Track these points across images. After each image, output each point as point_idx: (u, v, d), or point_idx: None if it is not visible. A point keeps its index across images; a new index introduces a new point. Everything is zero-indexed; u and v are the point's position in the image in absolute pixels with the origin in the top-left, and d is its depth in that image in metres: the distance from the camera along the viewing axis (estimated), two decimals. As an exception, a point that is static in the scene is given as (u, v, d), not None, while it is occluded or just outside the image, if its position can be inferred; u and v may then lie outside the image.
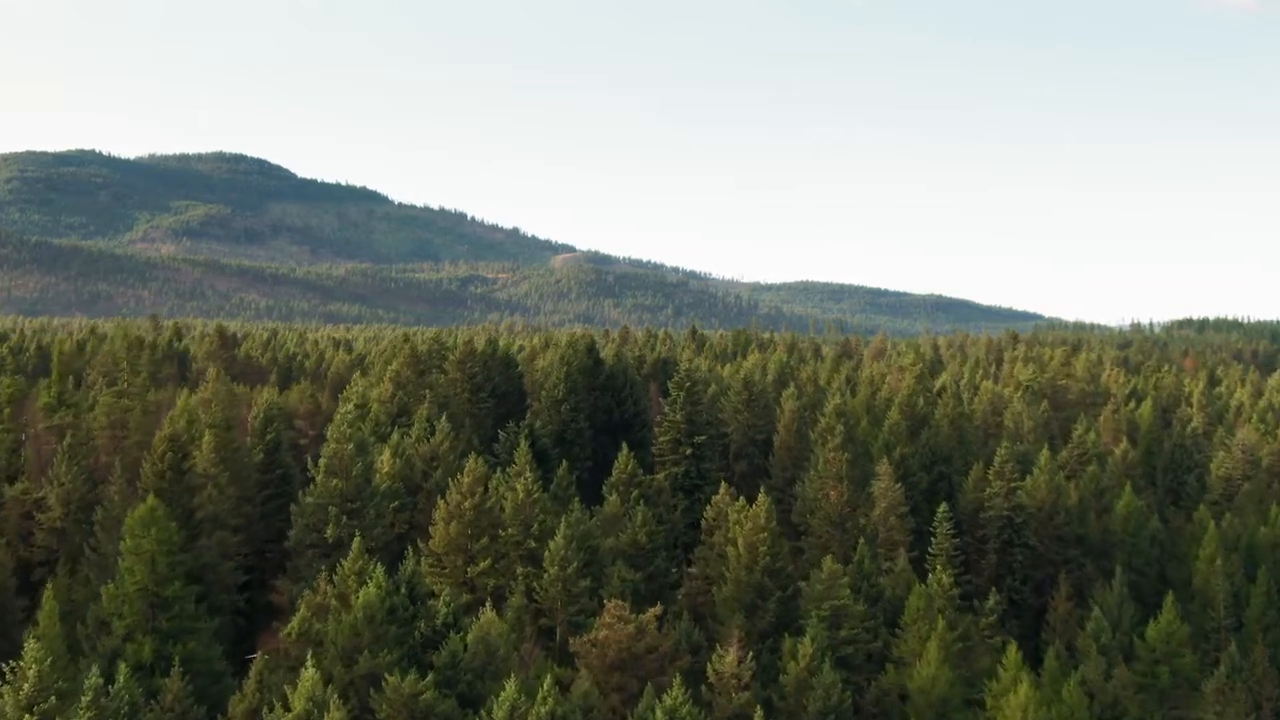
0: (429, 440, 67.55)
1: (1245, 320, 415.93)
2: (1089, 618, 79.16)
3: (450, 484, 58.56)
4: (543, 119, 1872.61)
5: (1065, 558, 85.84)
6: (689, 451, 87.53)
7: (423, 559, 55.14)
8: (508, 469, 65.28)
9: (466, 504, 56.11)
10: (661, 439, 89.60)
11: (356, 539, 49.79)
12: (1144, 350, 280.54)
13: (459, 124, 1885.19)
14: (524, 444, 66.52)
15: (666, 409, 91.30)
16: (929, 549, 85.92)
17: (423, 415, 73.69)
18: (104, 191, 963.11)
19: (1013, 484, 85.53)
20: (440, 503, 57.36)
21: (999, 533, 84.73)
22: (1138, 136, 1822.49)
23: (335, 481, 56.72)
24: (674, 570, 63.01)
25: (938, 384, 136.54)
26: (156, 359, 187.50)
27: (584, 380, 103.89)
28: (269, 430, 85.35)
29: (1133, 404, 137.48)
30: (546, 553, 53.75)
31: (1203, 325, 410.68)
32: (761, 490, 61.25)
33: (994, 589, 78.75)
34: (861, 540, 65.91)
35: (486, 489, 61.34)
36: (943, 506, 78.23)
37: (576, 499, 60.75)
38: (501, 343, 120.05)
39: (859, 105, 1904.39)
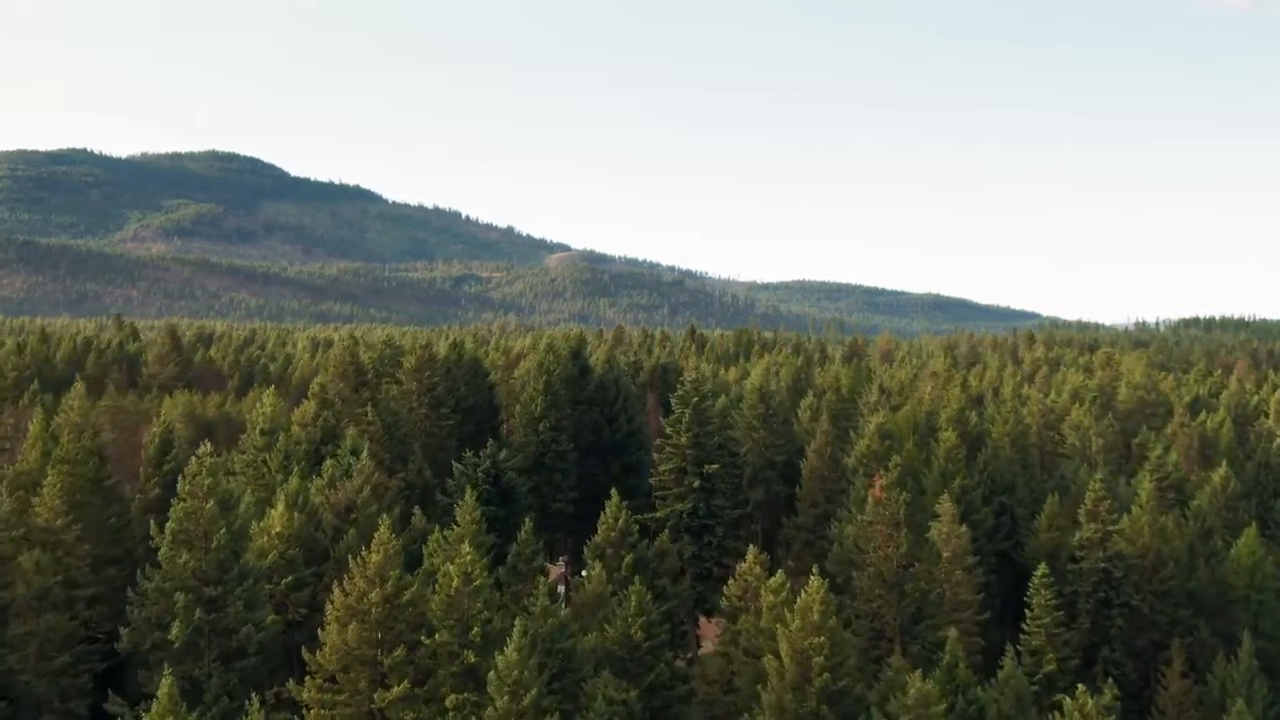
0: (346, 481, 49.33)
1: (1252, 319, 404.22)
2: (1207, 696, 61.76)
3: (351, 562, 39.63)
4: (539, 118, 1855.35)
5: (1173, 619, 67.72)
6: (697, 484, 69.46)
7: (308, 680, 37.13)
8: (448, 529, 46.97)
9: (373, 595, 37.74)
10: (663, 467, 71.54)
11: (165, 681, 30.96)
12: (1164, 351, 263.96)
13: (454, 123, 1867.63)
14: (470, 496, 47.86)
15: (668, 429, 73.21)
16: (1010, 616, 68.33)
17: (348, 445, 55.50)
18: (95, 190, 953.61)
19: (1109, 527, 67.35)
20: (335, 590, 39.03)
21: (1093, 590, 66.54)
22: (1135, 136, 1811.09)
23: (185, 556, 38.29)
24: (681, 682, 44.64)
25: (971, 392, 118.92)
26: (104, 363, 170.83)
27: (567, 392, 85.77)
28: (167, 459, 67.36)
29: (1205, 415, 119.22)
30: (493, 671, 35.17)
31: (1209, 325, 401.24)
32: (814, 574, 43.02)
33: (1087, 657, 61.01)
34: (953, 634, 47.47)
35: (419, 558, 43.26)
36: (1042, 569, 60.22)
37: (543, 582, 42.23)
38: (469, 344, 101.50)
39: (857, 105, 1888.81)
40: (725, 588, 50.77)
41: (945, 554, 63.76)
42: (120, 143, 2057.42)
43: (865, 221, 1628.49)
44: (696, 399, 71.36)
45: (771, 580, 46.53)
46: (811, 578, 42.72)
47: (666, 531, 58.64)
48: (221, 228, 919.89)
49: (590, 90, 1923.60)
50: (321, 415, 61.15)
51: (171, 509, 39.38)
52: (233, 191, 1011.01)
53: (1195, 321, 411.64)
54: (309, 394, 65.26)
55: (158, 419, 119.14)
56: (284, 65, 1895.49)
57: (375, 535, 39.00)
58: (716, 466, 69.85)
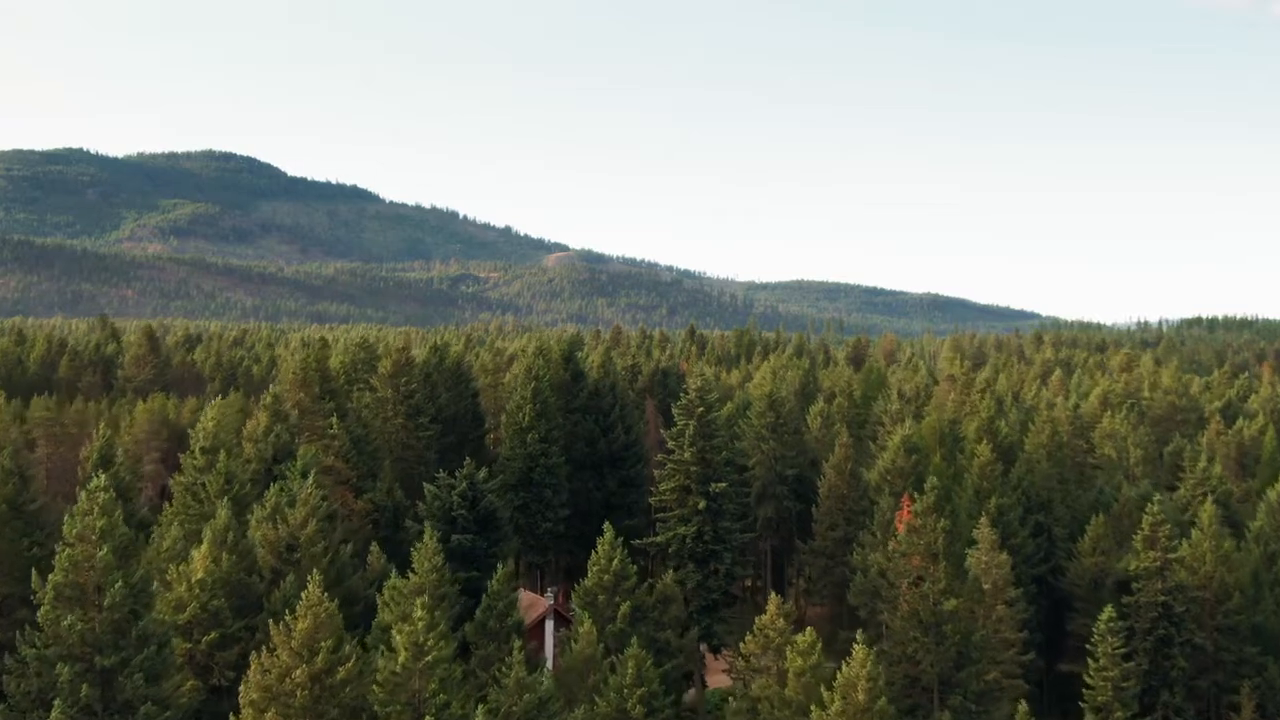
0: (289, 512, 41.20)
1: (1256, 319, 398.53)
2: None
3: (272, 629, 31.39)
4: (537, 118, 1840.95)
5: (1240, 658, 60.00)
6: (702, 505, 61.69)
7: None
8: (409, 573, 38.90)
9: (298, 674, 29.72)
10: (664, 486, 63.78)
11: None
12: (1174, 352, 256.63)
13: (452, 123, 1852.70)
14: (430, 538, 39.45)
15: (670, 442, 65.44)
16: (1048, 647, 60.70)
17: (298, 466, 47.41)
18: (91, 190, 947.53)
19: (1169, 554, 59.55)
20: (253, 662, 30.98)
21: (1151, 626, 58.73)
22: (1135, 136, 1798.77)
23: (70, 618, 30.26)
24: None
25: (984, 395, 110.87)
26: (77, 366, 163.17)
27: (559, 399, 78.10)
28: (107, 476, 59.47)
29: (1241, 421, 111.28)
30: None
31: (1213, 325, 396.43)
32: (859, 641, 34.93)
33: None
34: (1023, 711, 39.29)
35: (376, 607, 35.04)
36: (1108, 613, 52.41)
37: (518, 646, 33.96)
38: (456, 345, 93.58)
39: (855, 105, 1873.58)
40: (741, 645, 42.83)
41: (986, 586, 56.06)
42: (116, 142, 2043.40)
43: (863, 221, 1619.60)
44: (701, 409, 63.57)
45: (799, 637, 38.74)
46: (855, 646, 34.88)
47: (670, 573, 50.73)
48: (218, 227, 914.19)
49: (588, 90, 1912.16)
50: (274, 429, 53.33)
51: (56, 556, 31.64)
52: (229, 191, 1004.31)
53: (1198, 321, 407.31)
54: (261, 404, 57.47)
55: (128, 425, 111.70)
56: (281, 65, 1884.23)
57: (305, 594, 31.20)
58: (724, 485, 62.08)
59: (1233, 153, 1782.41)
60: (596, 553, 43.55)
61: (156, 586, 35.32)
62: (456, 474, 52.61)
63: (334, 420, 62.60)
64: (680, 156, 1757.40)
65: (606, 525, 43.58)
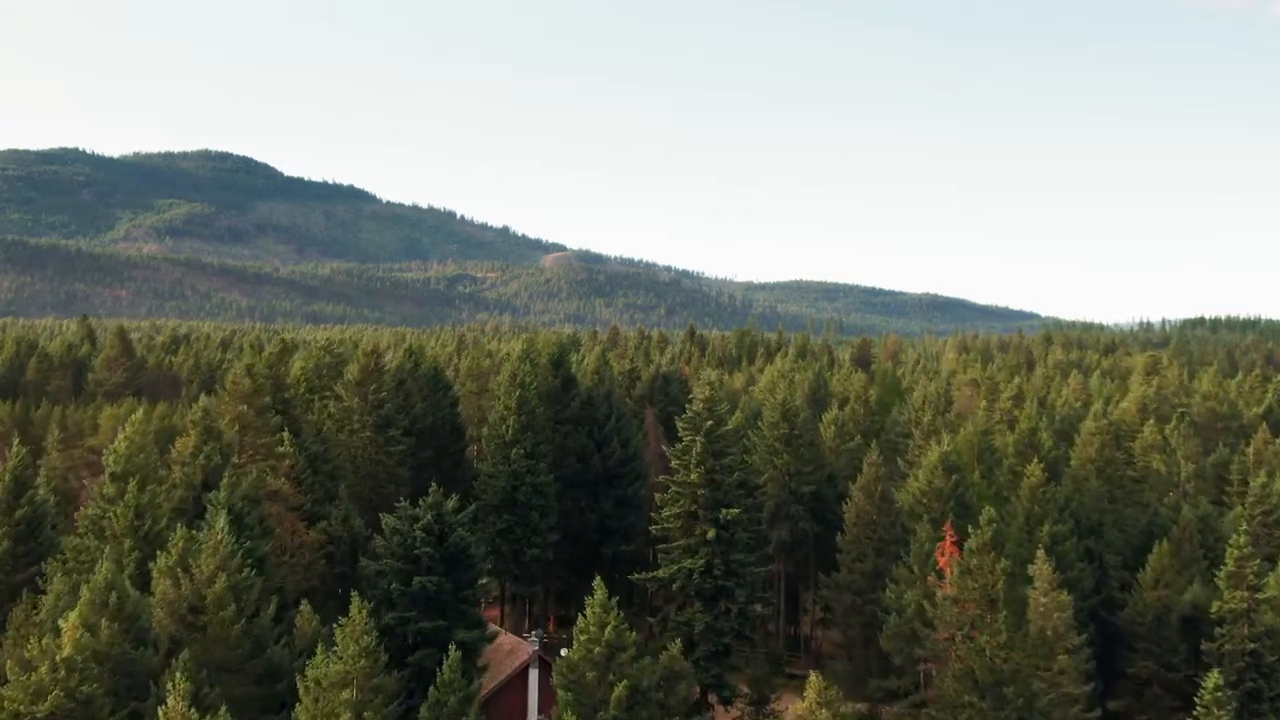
0: (199, 555, 32.54)
1: (1260, 320, 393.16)
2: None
3: None
4: (534, 118, 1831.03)
5: (1336, 713, 51.55)
6: (711, 534, 53.13)
7: None
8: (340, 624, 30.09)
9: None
10: (667, 512, 55.19)
11: None
12: (1184, 352, 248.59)
13: (449, 123, 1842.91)
14: (359, 610, 30.00)
15: (674, 460, 56.85)
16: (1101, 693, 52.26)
17: (220, 498, 38.45)
18: (87, 190, 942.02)
19: (1258, 594, 51.02)
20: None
21: (1239, 679, 50.23)
22: (1134, 136, 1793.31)
23: None
24: None
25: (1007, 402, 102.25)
26: (45, 368, 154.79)
27: (547, 410, 69.56)
28: (20, 501, 50.97)
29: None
30: None
31: (1216, 325, 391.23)
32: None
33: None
34: None
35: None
36: (1213, 679, 43.79)
37: None
38: (430, 350, 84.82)
39: (855, 105, 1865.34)
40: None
41: (1047, 631, 47.62)
42: (113, 142, 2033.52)
43: (862, 221, 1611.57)
44: (710, 422, 54.96)
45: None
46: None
47: (677, 643, 41.95)
48: (214, 227, 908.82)
49: (587, 90, 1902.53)
50: (203, 450, 44.78)
51: None
52: (225, 191, 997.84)
53: (1201, 322, 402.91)
54: (189, 420, 48.90)
55: (92, 433, 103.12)
56: (279, 65, 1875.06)
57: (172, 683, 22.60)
58: (737, 512, 53.46)
59: (1232, 153, 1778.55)
60: (584, 617, 34.79)
61: (11, 667, 26.96)
62: (421, 502, 44.19)
63: (285, 436, 54.00)
64: (679, 156, 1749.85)
65: (597, 583, 34.39)
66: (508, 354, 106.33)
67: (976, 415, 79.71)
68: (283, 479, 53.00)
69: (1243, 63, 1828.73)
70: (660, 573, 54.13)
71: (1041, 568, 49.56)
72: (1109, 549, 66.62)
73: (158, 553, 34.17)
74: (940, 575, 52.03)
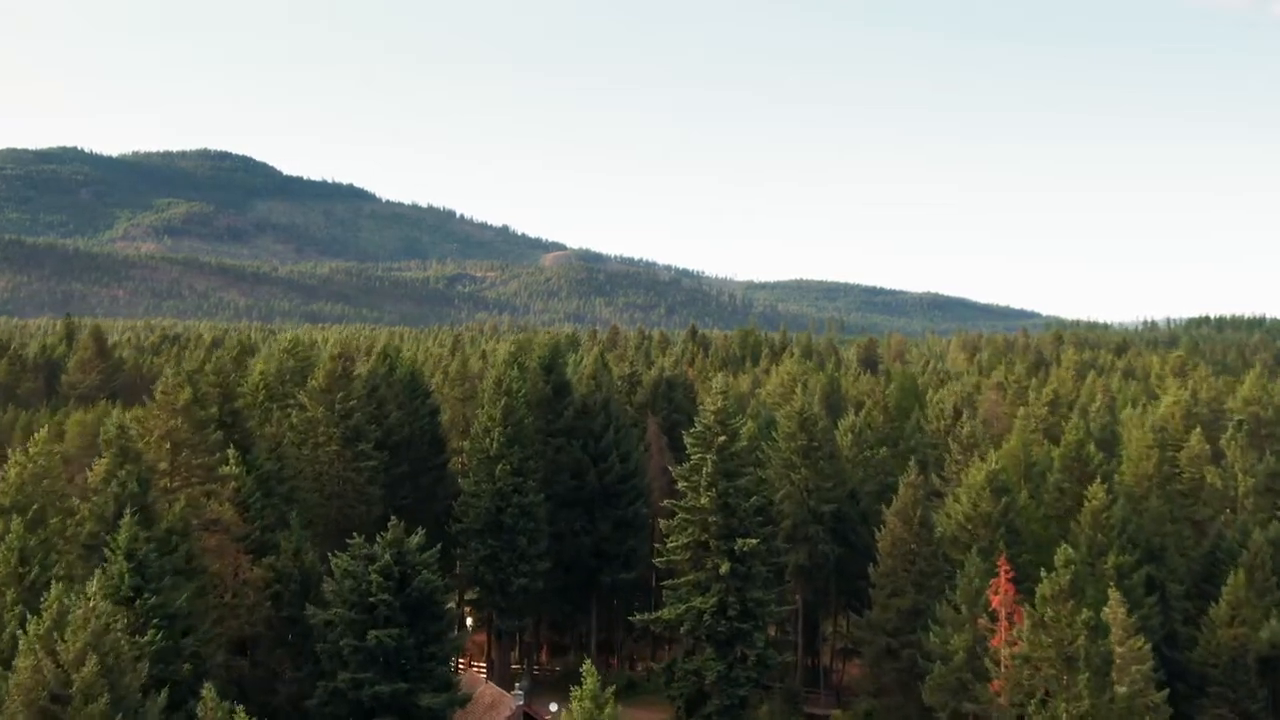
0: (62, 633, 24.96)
1: (1265, 319, 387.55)
2: None
3: None
4: (534, 117, 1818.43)
5: None
6: (725, 568, 45.55)
7: None
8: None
9: None
10: (674, 542, 47.61)
11: None
12: (1197, 353, 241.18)
13: (449, 122, 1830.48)
14: (212, 705, 22.52)
15: (680, 481, 49.25)
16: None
17: (120, 540, 30.85)
18: (85, 189, 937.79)
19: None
20: None
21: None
22: (1134, 136, 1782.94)
23: None
24: None
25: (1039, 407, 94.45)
26: (16, 370, 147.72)
27: (537, 420, 61.99)
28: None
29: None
30: None
31: (1221, 324, 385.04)
32: None
33: None
34: None
35: None
36: None
37: None
38: (426, 350, 77.02)
39: (855, 105, 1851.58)
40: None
41: (1120, 688, 40.00)
42: (111, 141, 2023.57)
43: (862, 220, 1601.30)
44: (723, 438, 47.32)
45: None
46: None
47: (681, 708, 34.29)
48: (213, 227, 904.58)
49: (587, 90, 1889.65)
50: (117, 476, 37.22)
51: None
52: (224, 190, 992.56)
53: (1206, 320, 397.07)
54: (102, 439, 41.42)
55: (59, 439, 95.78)
56: (277, 64, 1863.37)
57: None
58: (755, 542, 45.81)
59: (1232, 153, 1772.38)
60: (577, 695, 26.82)
61: None
62: (379, 538, 36.69)
63: (230, 453, 46.48)
64: (678, 156, 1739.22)
65: (588, 669, 26.31)
66: (526, 345, 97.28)
67: (1014, 425, 72.04)
68: (226, 504, 45.52)
69: (1243, 63, 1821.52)
70: (665, 613, 46.53)
71: (1117, 611, 41.90)
72: (1171, 576, 59.09)
73: (32, 618, 26.63)
74: (993, 618, 44.51)
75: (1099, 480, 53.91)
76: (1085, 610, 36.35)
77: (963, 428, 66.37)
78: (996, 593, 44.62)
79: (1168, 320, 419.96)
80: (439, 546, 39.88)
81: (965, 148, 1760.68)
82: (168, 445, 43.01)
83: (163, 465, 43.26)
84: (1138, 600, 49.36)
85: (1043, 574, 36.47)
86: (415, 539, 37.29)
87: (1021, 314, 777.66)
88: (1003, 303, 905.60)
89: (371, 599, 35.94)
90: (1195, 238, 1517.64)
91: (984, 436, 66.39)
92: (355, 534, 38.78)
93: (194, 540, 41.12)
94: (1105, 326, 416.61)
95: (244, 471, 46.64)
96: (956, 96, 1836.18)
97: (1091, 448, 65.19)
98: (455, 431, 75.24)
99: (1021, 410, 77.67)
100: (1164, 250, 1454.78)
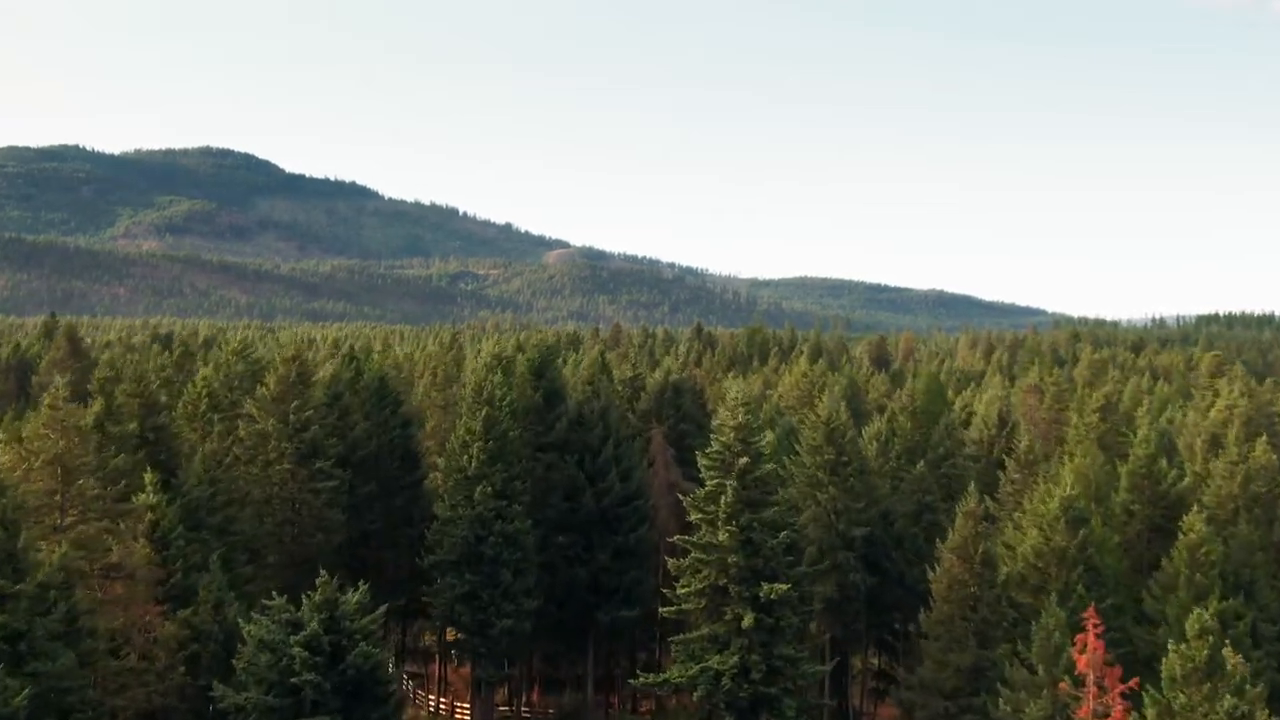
0: None
1: (1274, 316, 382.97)
2: None
3: None
4: (537, 115, 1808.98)
5: None
6: (748, 620, 37.15)
7: None
8: None
9: None
10: (685, 587, 39.15)
11: None
12: (1232, 351, 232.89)
13: (451, 121, 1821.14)
14: None
15: (693, 512, 40.81)
16: None
17: (40, 563, 23.04)
18: (87, 187, 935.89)
19: None
20: None
21: None
22: (1135, 136, 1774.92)
23: None
24: None
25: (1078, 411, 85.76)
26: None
27: (525, 433, 53.57)
28: None
29: None
30: None
31: (1230, 321, 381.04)
32: None
33: None
34: None
35: None
36: None
37: None
38: (386, 352, 68.63)
39: (857, 103, 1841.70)
40: None
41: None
42: (113, 139, 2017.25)
43: (865, 218, 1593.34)
44: (745, 460, 38.83)
45: None
46: None
47: None
48: (215, 224, 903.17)
49: (588, 88, 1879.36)
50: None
51: None
52: (226, 188, 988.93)
53: (1215, 318, 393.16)
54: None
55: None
56: (281, 63, 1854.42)
57: None
58: (785, 588, 37.32)
59: (1233, 152, 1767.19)
60: None
61: None
62: (305, 599, 28.45)
63: (148, 478, 38.21)
64: (680, 155, 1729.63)
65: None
66: (522, 346, 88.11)
67: (1067, 435, 63.54)
68: (139, 543, 37.23)
69: (1243, 62, 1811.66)
70: (673, 673, 37.97)
71: (1235, 668, 33.38)
72: (1262, 615, 50.59)
73: None
74: (1078, 683, 36.07)
75: (1197, 509, 45.23)
76: (1228, 698, 27.82)
77: (1020, 442, 57.67)
78: (1082, 651, 36.19)
79: (1177, 318, 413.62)
80: (383, 609, 31.45)
81: (966, 147, 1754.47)
82: (58, 471, 34.69)
83: (53, 498, 34.92)
84: (1247, 651, 40.87)
85: (1167, 644, 28.01)
86: (353, 597, 29.03)
87: (1027, 311, 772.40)
88: (1008, 300, 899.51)
89: (294, 679, 27.70)
90: (1197, 235, 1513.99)
91: (1055, 456, 57.70)
92: (275, 594, 30.33)
93: (85, 593, 32.87)
94: (1114, 324, 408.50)
95: (163, 501, 38.35)
96: (957, 96, 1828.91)
97: (1164, 462, 56.71)
98: (439, 443, 66.98)
99: (1075, 419, 68.90)
100: (1166, 248, 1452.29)
